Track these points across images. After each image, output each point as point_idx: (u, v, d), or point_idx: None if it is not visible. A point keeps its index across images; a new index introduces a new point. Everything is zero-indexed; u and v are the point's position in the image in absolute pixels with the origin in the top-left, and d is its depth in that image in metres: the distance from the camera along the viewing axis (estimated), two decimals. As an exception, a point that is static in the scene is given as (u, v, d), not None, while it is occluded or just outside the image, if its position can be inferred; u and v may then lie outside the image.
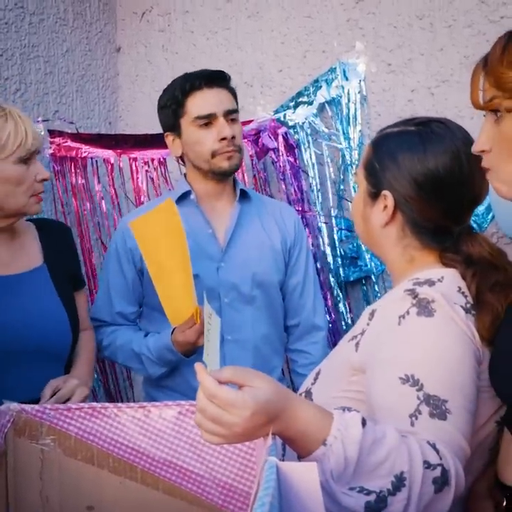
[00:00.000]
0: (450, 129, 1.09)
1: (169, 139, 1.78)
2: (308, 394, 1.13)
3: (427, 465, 0.82)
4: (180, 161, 1.85)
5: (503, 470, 0.99)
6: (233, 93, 1.77)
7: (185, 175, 1.85)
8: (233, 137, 1.70)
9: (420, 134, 1.08)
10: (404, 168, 1.07)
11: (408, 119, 1.15)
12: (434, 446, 0.85)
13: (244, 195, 1.82)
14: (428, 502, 0.82)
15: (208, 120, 1.69)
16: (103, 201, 2.49)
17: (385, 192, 1.09)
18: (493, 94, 0.91)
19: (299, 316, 1.87)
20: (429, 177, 1.06)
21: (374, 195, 1.13)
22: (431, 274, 1.05)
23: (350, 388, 1.05)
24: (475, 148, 0.97)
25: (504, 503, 0.97)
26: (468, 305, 1.01)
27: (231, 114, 1.72)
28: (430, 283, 1.02)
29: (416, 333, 0.97)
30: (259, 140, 2.31)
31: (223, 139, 1.68)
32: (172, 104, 1.72)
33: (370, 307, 1.10)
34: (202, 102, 1.69)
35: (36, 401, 1.33)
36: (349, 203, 2.23)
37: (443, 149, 1.06)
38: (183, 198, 1.78)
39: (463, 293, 1.03)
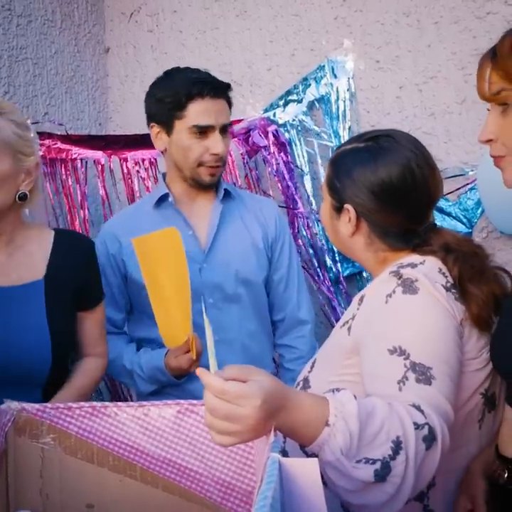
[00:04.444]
0: (397, 141, 1.16)
1: (154, 130, 1.73)
2: (306, 381, 1.18)
3: (416, 426, 0.87)
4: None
5: (507, 445, 1.08)
6: (230, 104, 1.74)
7: (164, 175, 1.83)
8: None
9: (369, 149, 1.16)
10: (359, 182, 1.15)
11: (359, 135, 1.24)
12: (418, 408, 0.90)
13: (225, 194, 1.80)
14: (421, 460, 0.87)
15: (204, 130, 1.67)
16: (94, 203, 2.49)
17: (347, 206, 1.18)
18: (502, 87, 0.95)
19: (284, 310, 1.87)
20: (383, 187, 1.13)
21: (338, 209, 1.21)
22: (412, 259, 1.13)
23: (345, 371, 1.10)
24: (481, 138, 1.02)
25: (505, 475, 1.07)
26: (449, 284, 1.09)
27: (226, 128, 1.71)
28: (413, 265, 1.10)
29: (402, 309, 1.05)
30: (250, 138, 2.32)
31: (214, 154, 1.68)
32: (171, 102, 1.66)
33: (360, 293, 1.17)
34: (204, 111, 1.66)
35: None
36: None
37: (392, 161, 1.13)
38: (161, 200, 1.77)
39: (443, 274, 1.10)
